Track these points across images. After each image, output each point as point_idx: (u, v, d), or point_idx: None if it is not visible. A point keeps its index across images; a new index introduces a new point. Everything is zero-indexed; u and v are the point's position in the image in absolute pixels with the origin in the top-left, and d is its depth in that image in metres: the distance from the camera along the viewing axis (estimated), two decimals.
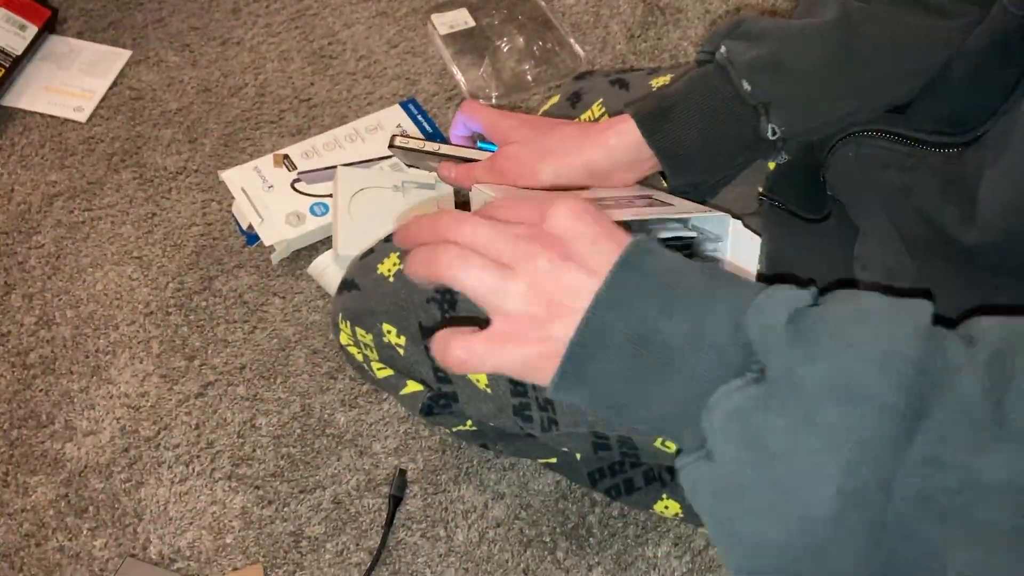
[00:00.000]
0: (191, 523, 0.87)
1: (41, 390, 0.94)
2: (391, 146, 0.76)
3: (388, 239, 0.72)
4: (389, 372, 0.71)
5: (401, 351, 0.68)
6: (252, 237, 1.04)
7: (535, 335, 0.42)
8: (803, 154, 0.70)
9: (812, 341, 0.38)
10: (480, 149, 0.73)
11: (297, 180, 1.06)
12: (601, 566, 0.85)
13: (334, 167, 1.07)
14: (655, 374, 0.41)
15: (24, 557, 0.85)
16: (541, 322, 0.42)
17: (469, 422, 0.75)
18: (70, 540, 0.86)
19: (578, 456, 0.79)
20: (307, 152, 1.08)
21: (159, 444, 0.91)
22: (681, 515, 0.81)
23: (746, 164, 0.69)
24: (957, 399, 0.36)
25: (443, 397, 0.71)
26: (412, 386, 0.71)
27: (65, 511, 0.87)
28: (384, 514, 0.87)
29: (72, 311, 1.00)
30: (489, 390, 0.69)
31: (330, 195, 1.05)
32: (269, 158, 1.08)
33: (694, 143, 0.65)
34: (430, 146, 0.74)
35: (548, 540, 0.86)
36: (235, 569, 0.85)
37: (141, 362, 0.96)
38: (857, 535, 0.37)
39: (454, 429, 0.76)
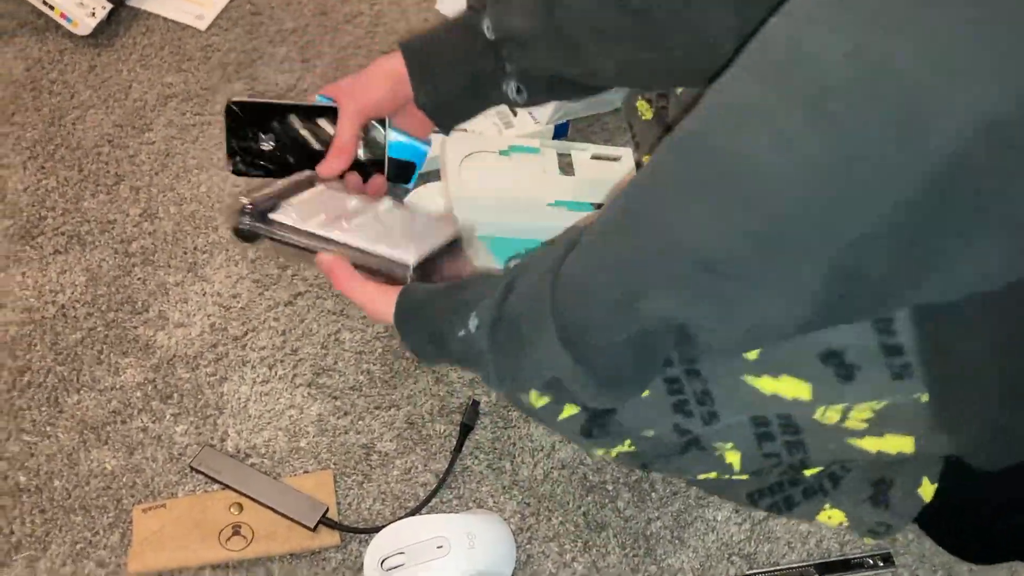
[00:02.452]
0: (268, 423, 0.90)
1: (139, 278, 0.98)
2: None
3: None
4: (546, 400, 0.72)
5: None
6: None
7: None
8: None
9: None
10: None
11: None
12: (660, 521, 0.86)
13: None
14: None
15: (110, 432, 0.88)
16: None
17: (628, 441, 0.75)
18: (153, 422, 0.89)
19: (737, 464, 0.76)
20: None
21: (245, 344, 0.94)
22: (846, 523, 0.78)
23: (484, 89, 0.81)
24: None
25: (600, 416, 0.72)
26: (569, 410, 0.73)
27: (151, 395, 0.91)
28: (454, 440, 0.89)
29: (175, 208, 1.03)
30: (646, 391, 0.69)
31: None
32: None
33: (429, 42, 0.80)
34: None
35: (611, 489, 0.88)
36: (306, 472, 0.88)
37: (236, 265, 0.99)
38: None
39: (614, 453, 0.77)
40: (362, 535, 0.84)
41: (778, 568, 0.83)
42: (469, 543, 0.80)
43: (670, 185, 0.53)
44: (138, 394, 0.91)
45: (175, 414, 0.90)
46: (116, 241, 1.00)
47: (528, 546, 0.85)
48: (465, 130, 1.07)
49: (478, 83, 0.80)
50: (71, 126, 1.08)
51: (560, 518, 0.87)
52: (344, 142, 0.82)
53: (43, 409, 0.89)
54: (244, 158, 0.85)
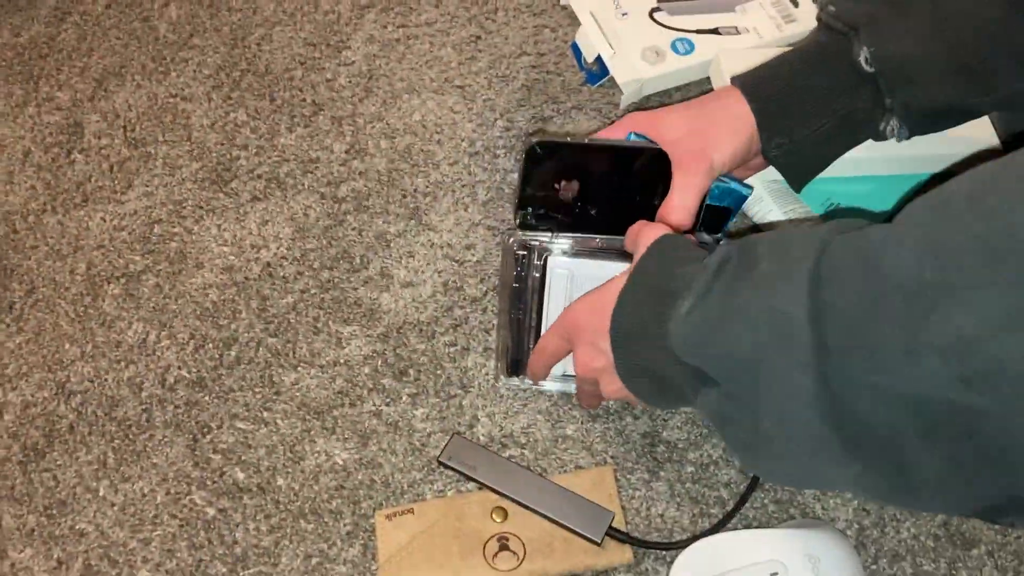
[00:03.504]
0: (525, 404, 0.73)
1: (354, 228, 0.81)
2: None
3: None
4: None
5: None
6: (593, 75, 0.87)
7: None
8: None
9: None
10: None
11: (657, 9, 0.87)
12: None
13: None
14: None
15: (337, 417, 0.73)
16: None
17: None
18: (387, 405, 0.73)
19: None
20: None
21: (486, 307, 0.77)
22: None
23: (852, 130, 0.67)
24: None
25: None
26: None
27: (382, 370, 0.75)
28: None
29: (386, 142, 0.85)
30: None
31: (696, 30, 0.85)
32: None
33: (782, 81, 0.66)
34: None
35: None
36: (578, 467, 0.70)
37: (466, 209, 0.81)
38: None
39: None
40: (661, 551, 0.66)
41: None
42: (811, 568, 0.62)
43: None
44: (366, 370, 0.75)
45: (412, 394, 0.74)
46: (322, 184, 0.83)
47: (874, 566, 0.66)
48: (736, 29, 0.85)
49: (847, 125, 0.66)
50: (256, 47, 0.92)
51: (912, 530, 0.67)
52: (690, 203, 0.67)
53: (257, 390, 0.74)
54: (536, 209, 0.71)
